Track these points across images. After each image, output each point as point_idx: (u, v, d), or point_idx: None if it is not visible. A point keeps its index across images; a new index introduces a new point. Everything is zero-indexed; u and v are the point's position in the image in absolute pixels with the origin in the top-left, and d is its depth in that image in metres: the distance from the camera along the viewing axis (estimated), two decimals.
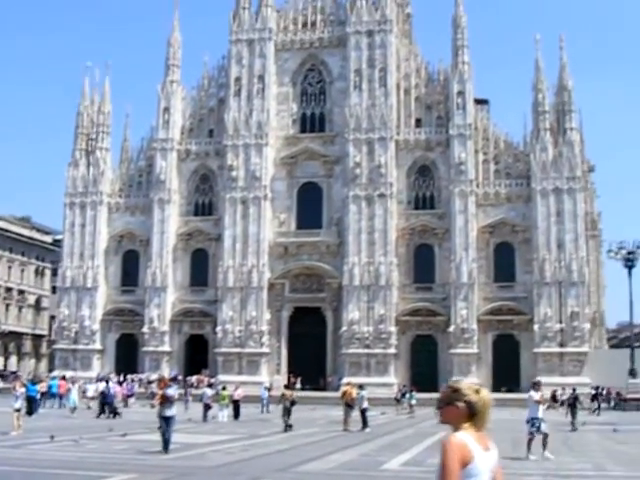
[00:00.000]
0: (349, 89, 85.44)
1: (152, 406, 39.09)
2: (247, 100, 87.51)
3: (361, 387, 39.89)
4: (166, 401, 23.78)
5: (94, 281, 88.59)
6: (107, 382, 53.49)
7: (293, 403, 37.00)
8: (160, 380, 29.38)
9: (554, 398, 59.78)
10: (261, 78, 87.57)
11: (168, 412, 23.68)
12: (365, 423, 36.70)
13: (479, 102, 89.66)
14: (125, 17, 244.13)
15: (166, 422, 23.55)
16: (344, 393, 38.30)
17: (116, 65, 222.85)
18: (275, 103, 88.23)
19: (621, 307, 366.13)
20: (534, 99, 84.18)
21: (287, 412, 35.85)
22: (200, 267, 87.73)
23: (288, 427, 35.13)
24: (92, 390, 56.09)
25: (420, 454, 24.67)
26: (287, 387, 46.20)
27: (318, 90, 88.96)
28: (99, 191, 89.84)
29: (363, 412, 37.20)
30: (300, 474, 18.97)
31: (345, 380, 74.87)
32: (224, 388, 48.42)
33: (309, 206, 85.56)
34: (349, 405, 37.32)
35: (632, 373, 66.25)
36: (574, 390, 48.54)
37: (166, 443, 23.33)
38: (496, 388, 78.14)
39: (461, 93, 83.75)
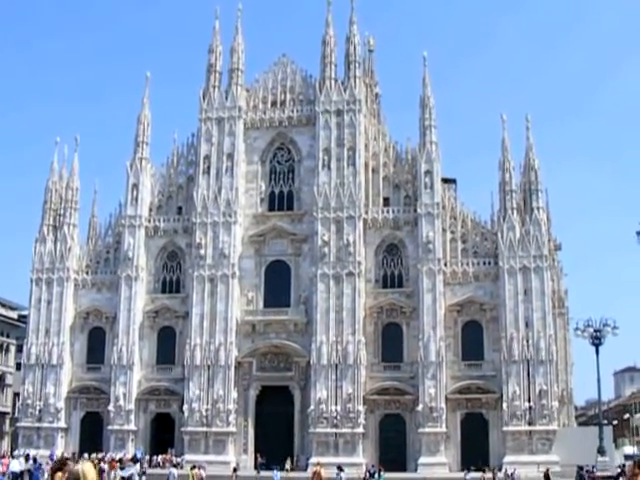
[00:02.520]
0: (318, 168, 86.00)
1: None
2: (216, 178, 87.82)
3: (340, 468, 39.90)
4: None
5: (59, 358, 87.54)
6: (34, 460, 52.47)
7: None
8: (112, 461, 26.95)
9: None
10: (230, 156, 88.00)
11: None
12: None
13: (447, 181, 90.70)
14: (95, 93, 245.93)
15: None
16: (314, 473, 37.92)
17: (85, 141, 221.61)
18: (244, 181, 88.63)
19: (589, 384, 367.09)
20: (501, 178, 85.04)
21: None
22: (167, 345, 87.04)
23: None
24: (16, 465, 54.20)
25: None
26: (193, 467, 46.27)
27: (287, 168, 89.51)
28: (66, 267, 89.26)
29: None
30: None
31: (313, 460, 74.69)
32: (193, 467, 47.67)
33: (277, 284, 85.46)
34: None
35: (601, 451, 65.95)
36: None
37: None
38: (465, 467, 77.87)
39: (429, 172, 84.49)
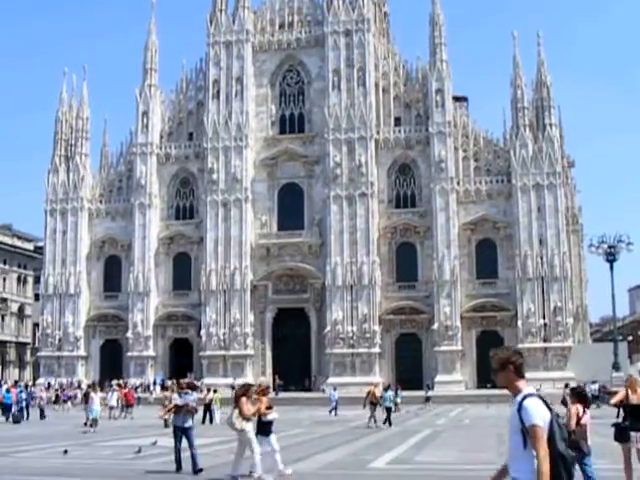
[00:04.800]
0: (328, 89, 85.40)
1: (165, 421, 38.45)
2: (226, 102, 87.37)
3: (386, 389, 41.86)
4: (181, 411, 20.07)
5: (77, 287, 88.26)
6: (26, 387, 52.91)
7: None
8: (169, 386, 25.24)
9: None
10: (239, 80, 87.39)
11: (187, 423, 20.06)
12: (389, 421, 38.62)
13: (458, 99, 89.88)
14: (102, 21, 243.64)
15: (185, 435, 19.97)
16: (369, 393, 40.90)
17: (93, 70, 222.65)
18: (254, 105, 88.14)
19: (604, 301, 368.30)
20: (513, 96, 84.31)
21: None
22: (183, 271, 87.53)
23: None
24: None
25: (406, 452, 24.64)
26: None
27: (297, 91, 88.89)
28: (79, 197, 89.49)
29: (388, 410, 39.36)
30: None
31: (331, 380, 75.68)
32: (215, 391, 48.15)
33: (290, 207, 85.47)
34: (373, 403, 39.67)
35: (615, 367, 66.35)
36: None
37: (193, 460, 19.57)
38: (481, 385, 78.63)
39: (440, 91, 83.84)
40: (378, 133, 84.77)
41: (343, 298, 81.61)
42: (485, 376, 79.36)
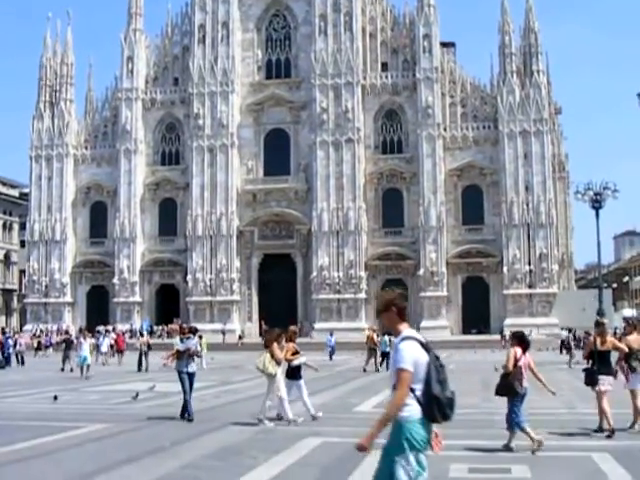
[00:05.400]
0: (314, 34, 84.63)
1: (139, 365, 39.02)
2: (212, 47, 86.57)
3: (385, 334, 42.17)
4: (183, 356, 19.26)
5: (62, 234, 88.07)
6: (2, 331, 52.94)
7: (149, 347, 42.30)
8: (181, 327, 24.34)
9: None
10: (225, 24, 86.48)
11: (190, 367, 19.31)
12: (385, 364, 38.80)
13: (445, 45, 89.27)
14: None
15: (189, 379, 19.23)
16: (368, 337, 41.69)
17: (78, 15, 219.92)
18: (240, 50, 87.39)
19: (589, 248, 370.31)
20: (500, 41, 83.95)
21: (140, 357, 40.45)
22: (169, 216, 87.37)
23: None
24: None
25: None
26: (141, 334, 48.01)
27: (283, 35, 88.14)
28: (64, 143, 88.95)
29: (385, 355, 39.48)
30: (274, 418, 18.76)
31: (318, 325, 76.17)
32: (200, 337, 48.16)
33: (276, 152, 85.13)
34: (372, 349, 40.39)
35: (600, 313, 66.54)
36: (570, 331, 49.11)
37: (185, 407, 19.18)
38: (466, 330, 79.22)
39: (427, 36, 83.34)
40: (365, 79, 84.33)
41: (329, 244, 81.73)
42: (470, 322, 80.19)
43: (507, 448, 14.03)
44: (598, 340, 16.34)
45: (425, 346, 6.81)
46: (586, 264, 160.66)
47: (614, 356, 16.80)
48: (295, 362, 18.83)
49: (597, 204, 65.99)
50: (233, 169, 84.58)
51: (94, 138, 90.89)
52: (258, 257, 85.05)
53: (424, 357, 6.74)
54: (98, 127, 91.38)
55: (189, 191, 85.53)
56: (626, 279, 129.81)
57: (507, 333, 69.19)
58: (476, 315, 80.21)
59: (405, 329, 6.91)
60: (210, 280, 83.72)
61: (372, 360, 39.57)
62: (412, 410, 6.71)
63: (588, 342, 18.05)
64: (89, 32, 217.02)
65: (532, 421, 16.28)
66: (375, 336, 41.63)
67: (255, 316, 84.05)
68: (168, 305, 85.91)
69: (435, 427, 6.82)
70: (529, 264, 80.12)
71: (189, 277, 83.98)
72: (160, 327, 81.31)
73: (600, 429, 15.97)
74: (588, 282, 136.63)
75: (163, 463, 12.81)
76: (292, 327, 21.35)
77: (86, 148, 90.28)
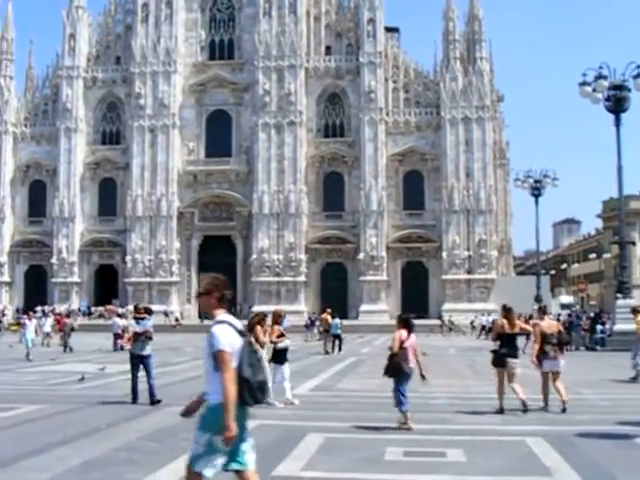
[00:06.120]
0: (258, 15, 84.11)
1: (122, 348, 38.28)
2: (155, 26, 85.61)
3: (334, 316, 42.02)
4: (139, 338, 18.74)
5: (1, 212, 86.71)
6: None
7: (72, 329, 42.26)
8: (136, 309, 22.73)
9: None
10: (169, 3, 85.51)
11: (145, 350, 18.76)
12: (340, 347, 39.25)
13: (390, 30, 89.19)
14: None
15: (143, 363, 18.69)
16: (322, 319, 42.45)
17: None
18: (183, 29, 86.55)
19: (528, 235, 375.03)
20: (444, 28, 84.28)
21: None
22: (108, 196, 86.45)
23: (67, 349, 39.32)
24: None
25: (328, 379, 24.69)
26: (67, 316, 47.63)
27: (227, 16, 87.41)
28: (4, 120, 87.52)
29: (337, 337, 39.68)
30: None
31: (256, 308, 75.77)
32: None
33: (218, 134, 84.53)
34: (327, 330, 40.60)
35: (537, 299, 67.38)
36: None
37: (151, 390, 18.31)
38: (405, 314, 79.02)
39: (372, 21, 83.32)
40: (308, 62, 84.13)
41: (269, 226, 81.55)
42: (410, 306, 79.99)
43: (405, 427, 14.26)
44: (507, 324, 16.66)
45: (239, 331, 6.95)
46: (525, 251, 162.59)
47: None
48: (280, 345, 18.66)
49: (536, 191, 67.13)
50: (174, 150, 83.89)
51: (34, 116, 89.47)
52: (198, 239, 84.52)
53: (238, 341, 6.88)
54: (38, 105, 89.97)
55: (129, 171, 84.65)
56: (564, 266, 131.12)
57: (446, 318, 70.06)
58: (415, 300, 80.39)
59: (221, 314, 7.02)
60: (149, 261, 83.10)
61: (328, 342, 39.65)
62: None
63: (495, 325, 18.49)
64: (30, 8, 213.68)
65: (469, 405, 16.99)
66: (329, 318, 41.72)
67: (194, 298, 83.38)
68: (107, 286, 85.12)
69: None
70: (468, 250, 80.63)
71: (128, 258, 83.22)
72: (98, 308, 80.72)
73: (501, 410, 16.39)
74: (527, 269, 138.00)
75: (98, 444, 12.59)
76: (277, 310, 21.30)
77: (26, 126, 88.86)
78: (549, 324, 17.49)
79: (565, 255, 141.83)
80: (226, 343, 6.76)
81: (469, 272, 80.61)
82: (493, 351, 16.81)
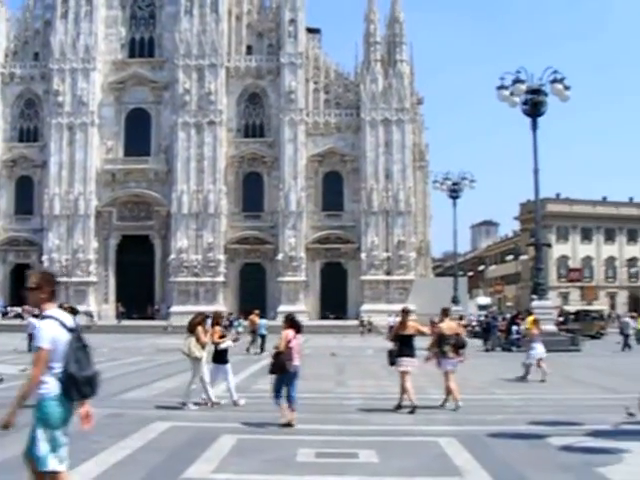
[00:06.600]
0: (180, 14, 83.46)
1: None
2: (74, 23, 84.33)
3: (261, 317, 42.26)
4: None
5: None
6: None
7: None
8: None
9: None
10: (89, 0, 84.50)
11: None
12: (262, 348, 39.00)
13: (311, 31, 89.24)
14: None
15: None
16: (251, 321, 42.17)
17: None
18: (103, 26, 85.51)
19: (447, 237, 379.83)
20: (366, 30, 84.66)
21: None
22: (25, 195, 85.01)
23: None
24: None
25: (244, 380, 24.52)
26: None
27: (148, 14, 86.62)
28: None
29: (263, 337, 39.80)
30: (123, 401, 18.59)
31: (174, 308, 75.70)
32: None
33: (137, 133, 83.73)
34: (253, 331, 40.70)
35: (455, 300, 68.16)
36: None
37: None
38: (324, 315, 79.66)
39: (293, 21, 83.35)
40: (229, 61, 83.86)
41: (188, 226, 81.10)
42: (328, 307, 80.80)
43: (287, 425, 14.64)
44: (401, 326, 17.36)
45: (68, 327, 6.99)
46: (444, 252, 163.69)
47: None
48: (222, 345, 18.66)
49: (454, 194, 67.96)
50: (93, 148, 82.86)
51: None
52: (116, 238, 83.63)
53: (64, 337, 6.93)
54: None
55: (47, 169, 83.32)
56: (482, 268, 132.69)
57: (365, 319, 70.33)
58: (334, 300, 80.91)
59: (50, 309, 7.08)
60: (66, 261, 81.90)
61: (255, 342, 39.85)
62: (50, 388, 6.91)
63: (394, 327, 19.48)
64: None
65: (383, 405, 17.13)
66: (257, 319, 41.89)
67: (112, 297, 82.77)
68: (23, 285, 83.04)
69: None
70: (387, 251, 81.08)
71: (45, 257, 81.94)
72: (14, 307, 79.39)
73: (399, 406, 16.98)
74: (445, 270, 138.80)
75: (7, 447, 12.32)
76: (218, 311, 21.50)
77: None
78: (449, 326, 18.12)
79: (483, 257, 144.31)
80: (47, 339, 6.84)
81: (388, 273, 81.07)
82: (388, 351, 17.37)
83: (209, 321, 19.49)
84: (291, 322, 15.62)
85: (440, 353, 17.53)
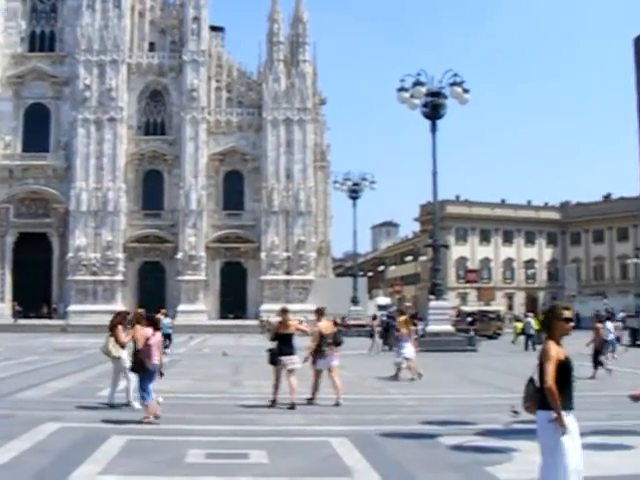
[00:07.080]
0: (82, 8, 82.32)
1: None
2: None
3: (166, 315, 41.88)
4: None
5: None
6: None
7: None
8: None
9: None
10: None
11: None
12: (167, 346, 38.56)
13: (214, 29, 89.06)
14: None
15: None
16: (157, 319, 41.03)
17: None
18: (3, 19, 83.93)
19: (348, 237, 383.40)
20: (269, 29, 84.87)
21: None
22: None
23: None
24: None
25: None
26: None
27: (49, 7, 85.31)
28: None
29: (168, 336, 38.96)
30: (14, 402, 18.20)
31: (72, 308, 75.02)
32: None
33: (36, 128, 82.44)
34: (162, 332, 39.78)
35: (354, 300, 68.85)
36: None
37: None
38: (223, 315, 79.75)
39: (196, 19, 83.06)
40: (131, 57, 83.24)
41: (87, 224, 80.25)
42: (228, 306, 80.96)
43: (147, 421, 14.75)
44: (282, 326, 17.65)
45: None
46: (344, 253, 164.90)
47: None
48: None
49: (355, 194, 68.66)
50: None
51: None
52: (13, 235, 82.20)
53: None
54: None
55: None
56: (382, 268, 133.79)
57: (265, 319, 70.42)
58: (233, 300, 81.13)
59: None
60: None
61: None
62: None
63: (274, 326, 19.53)
64: None
65: (278, 406, 17.11)
66: (163, 318, 41.73)
67: (8, 296, 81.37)
68: None
69: None
70: (287, 251, 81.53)
71: None
72: None
73: (274, 402, 17.34)
74: (345, 270, 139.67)
75: None
76: (139, 310, 21.26)
77: None
78: (327, 325, 18.46)
79: (383, 257, 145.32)
80: None
81: (288, 273, 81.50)
82: (269, 350, 17.61)
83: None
84: (149, 320, 15.90)
85: (317, 352, 17.93)
